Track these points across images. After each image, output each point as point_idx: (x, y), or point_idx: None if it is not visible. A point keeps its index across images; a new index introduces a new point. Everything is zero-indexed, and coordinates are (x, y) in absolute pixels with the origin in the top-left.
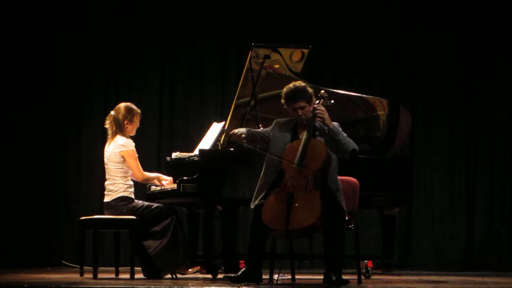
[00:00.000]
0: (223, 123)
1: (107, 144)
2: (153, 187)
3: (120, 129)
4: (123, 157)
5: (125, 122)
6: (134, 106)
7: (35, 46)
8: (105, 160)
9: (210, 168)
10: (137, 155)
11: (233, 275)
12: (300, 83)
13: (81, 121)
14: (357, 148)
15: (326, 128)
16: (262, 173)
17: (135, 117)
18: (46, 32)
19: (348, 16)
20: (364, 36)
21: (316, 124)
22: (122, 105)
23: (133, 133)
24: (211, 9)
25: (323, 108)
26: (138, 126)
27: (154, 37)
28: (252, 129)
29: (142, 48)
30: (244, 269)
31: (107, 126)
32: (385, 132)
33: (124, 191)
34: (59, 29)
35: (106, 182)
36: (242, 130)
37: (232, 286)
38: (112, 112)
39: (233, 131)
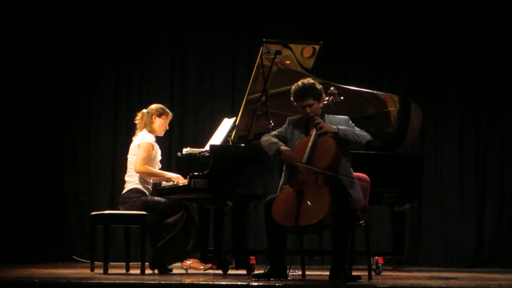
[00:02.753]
0: (234, 118)
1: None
2: (164, 183)
3: (148, 123)
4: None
5: (154, 116)
6: (167, 109)
7: (44, 41)
8: (129, 154)
9: (221, 163)
10: (152, 151)
11: (258, 272)
12: (308, 80)
13: (91, 116)
14: (370, 138)
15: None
16: (284, 169)
17: (164, 116)
18: (58, 27)
19: (359, 12)
20: (375, 32)
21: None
22: (155, 104)
23: (160, 133)
24: (221, 3)
25: (319, 120)
26: (167, 129)
27: (164, 33)
28: (274, 133)
29: (153, 44)
30: (269, 266)
31: (137, 121)
32: (396, 129)
33: (138, 183)
34: (70, 24)
35: (126, 175)
36: (288, 150)
37: (242, 281)
38: (144, 110)
39: (286, 153)
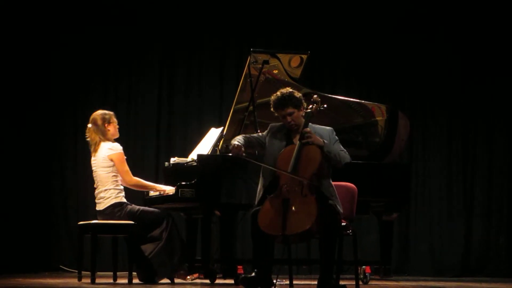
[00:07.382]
0: (221, 128)
1: (92, 157)
2: (151, 192)
3: (103, 135)
4: (112, 160)
5: (106, 125)
6: (105, 110)
7: (33, 54)
8: (94, 169)
9: (208, 173)
10: (125, 157)
11: (246, 276)
12: (287, 90)
13: (79, 128)
14: (349, 160)
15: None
16: (260, 176)
17: (112, 118)
18: (46, 40)
19: (347, 23)
20: (363, 42)
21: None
22: (94, 114)
23: (117, 135)
24: (210, 14)
25: (309, 130)
26: (118, 127)
27: (153, 42)
28: (248, 135)
29: (141, 54)
30: (254, 273)
31: (88, 139)
32: (383, 138)
33: (115, 197)
34: (58, 37)
35: (96, 191)
36: (240, 141)
37: None
38: (89, 125)
39: (233, 144)
